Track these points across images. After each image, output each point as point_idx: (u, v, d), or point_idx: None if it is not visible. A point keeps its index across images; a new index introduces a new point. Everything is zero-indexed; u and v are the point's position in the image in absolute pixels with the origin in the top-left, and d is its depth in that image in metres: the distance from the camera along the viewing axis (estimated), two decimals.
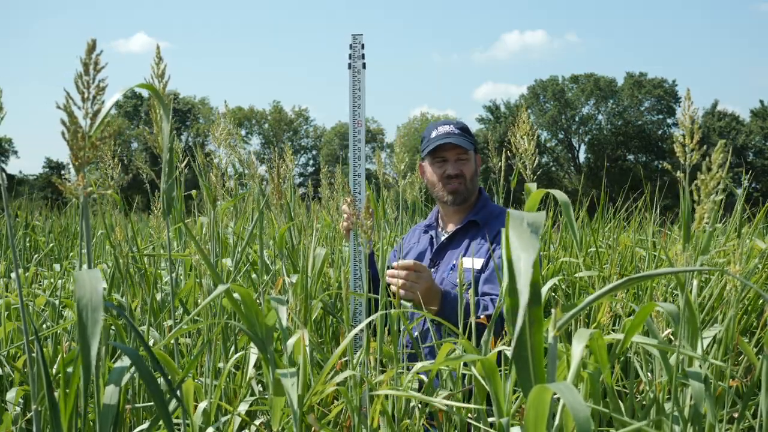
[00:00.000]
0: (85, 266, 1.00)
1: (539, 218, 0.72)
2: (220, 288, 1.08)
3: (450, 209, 2.43)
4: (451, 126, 2.41)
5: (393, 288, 1.92)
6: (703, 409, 1.07)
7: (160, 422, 1.46)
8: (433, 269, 2.35)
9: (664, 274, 0.71)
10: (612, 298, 1.48)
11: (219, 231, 1.83)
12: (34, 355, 1.13)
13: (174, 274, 2.46)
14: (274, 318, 1.23)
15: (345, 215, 2.20)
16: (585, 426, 0.62)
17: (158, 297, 2.22)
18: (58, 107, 0.88)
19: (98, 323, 0.81)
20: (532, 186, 1.30)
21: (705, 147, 1.08)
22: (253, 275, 2.36)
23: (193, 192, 3.15)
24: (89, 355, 0.81)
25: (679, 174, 1.06)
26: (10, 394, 1.73)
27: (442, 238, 2.41)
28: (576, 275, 2.27)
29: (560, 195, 1.11)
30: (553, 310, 0.73)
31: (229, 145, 1.87)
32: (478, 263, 2.22)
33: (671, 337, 1.53)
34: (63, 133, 0.88)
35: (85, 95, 0.90)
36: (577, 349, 0.71)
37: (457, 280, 2.22)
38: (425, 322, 2.12)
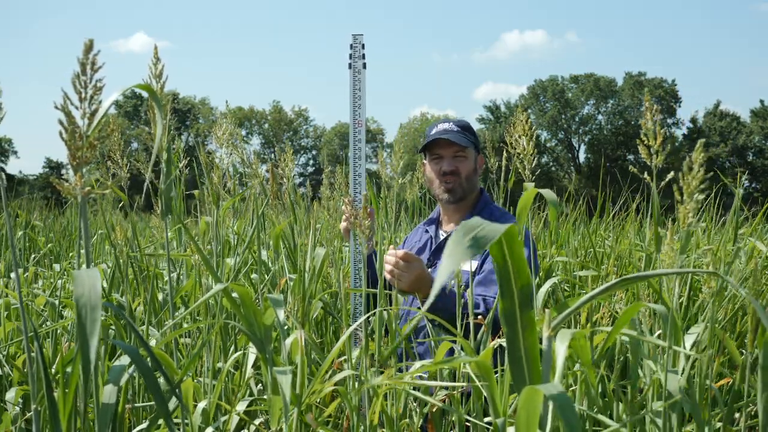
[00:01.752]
0: (83, 265, 1.01)
1: (494, 231, 0.69)
2: (218, 287, 1.08)
3: (449, 209, 2.42)
4: (451, 124, 2.40)
5: (386, 275, 1.92)
6: (687, 408, 1.07)
7: (160, 422, 1.47)
8: (429, 269, 2.34)
9: (656, 275, 0.71)
10: (610, 298, 1.48)
11: (221, 231, 1.83)
12: (33, 354, 1.13)
13: (175, 274, 2.47)
14: (272, 317, 1.24)
15: (344, 215, 2.20)
16: (573, 427, 0.62)
17: (159, 297, 2.23)
18: (56, 107, 0.88)
19: (97, 322, 0.81)
20: (530, 186, 1.30)
21: (667, 147, 1.08)
22: (253, 275, 2.36)
23: (196, 192, 3.16)
24: (89, 354, 0.81)
25: (645, 176, 1.06)
26: (10, 394, 1.73)
27: (441, 238, 2.41)
28: (574, 274, 2.27)
29: (548, 193, 1.11)
30: (547, 311, 0.73)
31: (232, 144, 1.87)
32: (473, 265, 2.21)
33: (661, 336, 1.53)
34: (60, 133, 0.89)
35: (83, 95, 0.90)
36: (560, 349, 0.72)
37: (452, 282, 2.22)
38: (422, 320, 2.12)
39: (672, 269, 0.92)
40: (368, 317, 1.48)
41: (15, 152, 49.86)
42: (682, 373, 1.15)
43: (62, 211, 5.39)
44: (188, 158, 2.10)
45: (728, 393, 1.59)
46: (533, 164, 1.71)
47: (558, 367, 0.71)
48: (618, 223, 3.23)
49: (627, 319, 0.93)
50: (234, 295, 1.29)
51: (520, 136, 1.61)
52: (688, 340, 1.36)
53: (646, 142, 1.06)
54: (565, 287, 2.65)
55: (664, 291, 1.09)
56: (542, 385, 0.61)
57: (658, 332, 1.46)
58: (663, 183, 1.06)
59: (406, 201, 3.59)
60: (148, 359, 1.09)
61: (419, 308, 1.96)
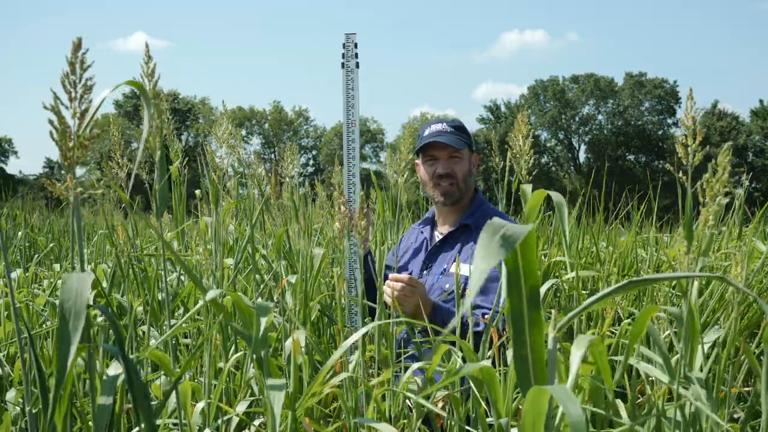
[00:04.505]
0: (77, 267, 1.00)
1: (519, 232, 0.71)
2: (211, 294, 1.07)
3: (444, 210, 2.40)
4: (444, 124, 2.36)
5: (386, 299, 1.90)
6: (704, 414, 1.06)
7: (159, 422, 1.46)
8: (425, 271, 2.33)
9: (666, 279, 0.70)
10: (611, 300, 1.47)
11: (221, 233, 1.82)
12: (26, 356, 1.12)
13: (174, 275, 2.46)
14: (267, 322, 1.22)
15: (338, 216, 2.18)
16: (579, 428, 0.61)
17: (159, 297, 2.21)
18: (45, 107, 0.87)
19: (79, 329, 0.80)
20: (527, 187, 1.29)
21: (707, 147, 1.07)
22: (255, 276, 2.35)
23: (197, 192, 3.16)
24: (66, 360, 0.80)
25: (681, 175, 1.05)
26: (10, 394, 1.73)
27: (436, 240, 2.39)
28: (570, 275, 2.26)
29: (556, 195, 1.10)
30: (552, 312, 0.72)
31: (230, 144, 1.86)
32: (469, 269, 2.19)
33: (672, 337, 1.52)
34: (51, 133, 0.88)
35: (72, 95, 0.89)
36: (577, 355, 0.71)
37: (447, 285, 2.21)
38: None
39: (680, 273, 0.91)
40: (368, 329, 1.47)
41: (15, 152, 49.96)
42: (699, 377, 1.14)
43: (58, 210, 5.38)
44: (187, 158, 2.09)
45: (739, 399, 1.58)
46: (530, 164, 1.71)
47: (572, 372, 0.70)
48: (623, 223, 3.21)
49: (642, 327, 0.92)
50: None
51: (517, 136, 1.61)
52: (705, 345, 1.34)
53: (683, 140, 1.05)
54: (565, 287, 2.63)
55: (686, 295, 1.08)
56: (549, 386, 0.60)
57: (666, 332, 1.45)
58: (698, 184, 1.04)
59: (407, 201, 3.58)
60: (140, 365, 1.08)
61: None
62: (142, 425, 0.89)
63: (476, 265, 0.67)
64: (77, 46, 0.88)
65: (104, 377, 1.04)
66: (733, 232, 2.42)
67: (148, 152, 1.29)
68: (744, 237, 2.23)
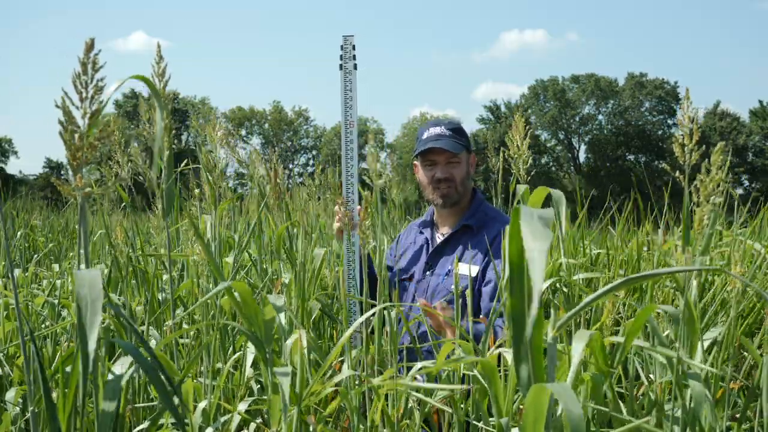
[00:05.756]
0: (83, 266, 1.00)
1: (548, 214, 0.72)
2: (221, 285, 1.08)
3: (443, 211, 2.42)
4: (442, 127, 2.36)
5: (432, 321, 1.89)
6: (704, 411, 1.07)
7: (160, 422, 1.46)
8: (428, 272, 2.34)
9: (663, 274, 0.71)
10: (613, 302, 1.48)
11: (221, 231, 1.82)
12: (31, 355, 1.13)
13: (174, 274, 2.46)
14: (271, 313, 1.23)
15: (337, 216, 2.19)
16: (578, 426, 0.61)
17: (159, 297, 2.22)
18: (57, 106, 0.88)
19: (97, 314, 0.80)
20: (521, 188, 1.31)
21: (704, 147, 1.08)
22: (253, 277, 2.35)
23: (197, 192, 3.16)
24: (87, 347, 0.80)
25: (678, 175, 1.05)
26: (9, 394, 1.73)
27: (438, 241, 2.40)
28: (575, 276, 2.26)
29: (555, 192, 1.12)
30: (552, 311, 0.73)
31: (228, 144, 1.87)
32: (474, 270, 2.19)
33: (671, 337, 1.53)
34: (61, 133, 0.88)
35: (83, 95, 0.89)
36: (577, 349, 0.71)
37: (452, 286, 2.21)
38: (421, 323, 2.11)
39: (677, 267, 0.92)
40: (365, 318, 1.47)
41: (15, 152, 49.92)
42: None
43: (62, 212, 5.38)
44: (187, 159, 2.10)
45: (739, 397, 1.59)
46: (528, 164, 1.72)
47: (573, 367, 0.71)
48: (629, 227, 3.21)
49: (640, 324, 0.92)
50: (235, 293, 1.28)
51: (516, 137, 1.62)
52: (705, 342, 1.35)
53: (681, 140, 1.06)
54: (567, 292, 2.64)
55: (684, 293, 1.09)
56: (550, 384, 0.60)
57: (666, 332, 1.46)
58: (693, 184, 1.05)
59: (394, 201, 3.58)
60: (149, 359, 1.08)
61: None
62: (149, 423, 0.89)
63: (532, 246, 0.65)
64: (90, 46, 0.89)
65: (108, 377, 1.04)
66: (727, 234, 2.42)
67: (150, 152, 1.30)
68: (741, 236, 2.23)
